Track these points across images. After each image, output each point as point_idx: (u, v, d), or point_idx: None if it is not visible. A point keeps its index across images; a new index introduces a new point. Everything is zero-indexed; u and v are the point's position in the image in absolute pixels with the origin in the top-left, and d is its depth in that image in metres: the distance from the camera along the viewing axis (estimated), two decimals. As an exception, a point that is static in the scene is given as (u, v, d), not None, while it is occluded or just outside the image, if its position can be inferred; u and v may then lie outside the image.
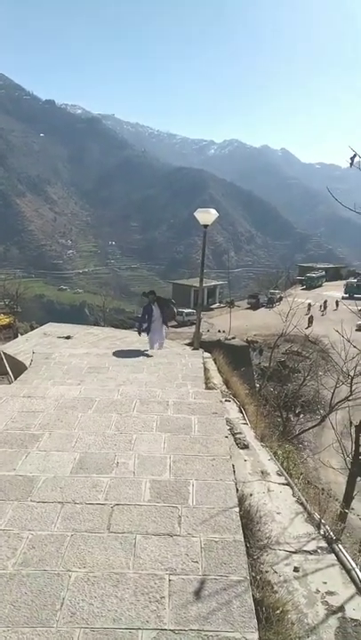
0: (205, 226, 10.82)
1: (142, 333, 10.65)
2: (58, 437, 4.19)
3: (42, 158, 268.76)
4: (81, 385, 6.78)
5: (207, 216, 10.79)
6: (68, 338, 11.99)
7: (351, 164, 4.07)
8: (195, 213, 10.93)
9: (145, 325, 10.46)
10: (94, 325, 25.10)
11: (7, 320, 31.53)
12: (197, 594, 2.53)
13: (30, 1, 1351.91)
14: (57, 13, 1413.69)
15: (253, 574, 2.96)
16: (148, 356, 9.57)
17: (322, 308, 44.00)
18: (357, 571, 3.31)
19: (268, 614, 2.63)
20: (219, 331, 32.38)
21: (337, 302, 43.96)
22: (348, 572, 3.31)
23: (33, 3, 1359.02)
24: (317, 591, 3.12)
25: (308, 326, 37.09)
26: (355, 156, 4.00)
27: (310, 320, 40.02)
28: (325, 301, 45.48)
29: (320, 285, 65.83)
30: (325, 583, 3.19)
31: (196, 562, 2.75)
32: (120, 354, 9.66)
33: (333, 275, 75.01)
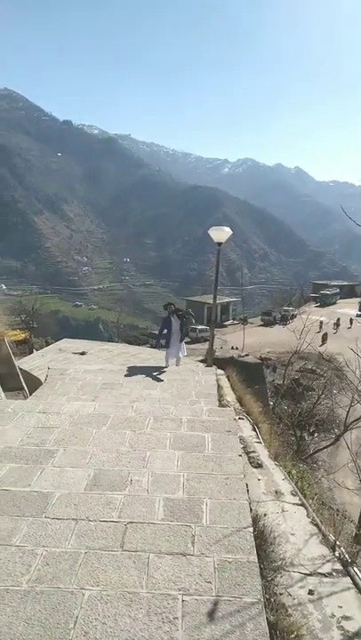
0: (219, 243, 10.89)
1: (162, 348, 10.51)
2: (72, 453, 4.22)
3: (59, 177, 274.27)
4: (95, 401, 6.82)
5: (221, 234, 10.87)
6: (82, 354, 12.08)
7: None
8: (209, 231, 11.01)
9: (164, 341, 10.26)
10: (109, 341, 25.21)
11: (23, 335, 31.91)
12: (211, 615, 2.51)
13: (49, 26, 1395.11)
14: (75, 37, 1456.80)
15: (267, 596, 2.93)
16: (161, 372, 9.51)
17: (335, 326, 43.58)
18: (374, 595, 3.25)
19: (283, 638, 2.60)
20: (232, 347, 32.28)
21: (351, 320, 43.52)
22: (364, 596, 3.25)
23: (52, 27, 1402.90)
24: (333, 615, 3.06)
25: (323, 344, 36.80)
26: (368, 175, 4.03)
27: (324, 337, 39.70)
28: (338, 319, 45.05)
29: (334, 303, 65.30)
30: (341, 607, 3.13)
31: (210, 582, 2.73)
32: (134, 370, 9.69)
33: (348, 292, 74.39)
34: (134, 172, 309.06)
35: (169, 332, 10.03)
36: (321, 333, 35.58)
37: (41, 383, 8.69)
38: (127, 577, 2.76)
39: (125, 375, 9.23)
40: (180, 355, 10.42)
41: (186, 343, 10.85)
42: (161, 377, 9.04)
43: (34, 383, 9.19)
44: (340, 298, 68.53)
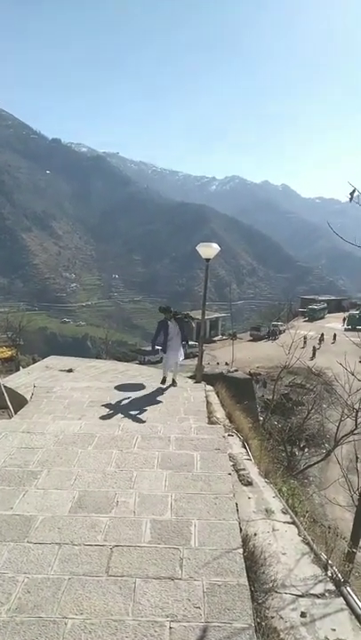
0: (207, 259, 10.90)
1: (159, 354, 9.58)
2: (57, 475, 4.11)
3: (48, 194, 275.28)
4: (82, 420, 6.68)
5: (209, 250, 10.88)
6: (69, 371, 11.91)
7: (351, 198, 4.15)
8: (197, 247, 11.03)
9: (160, 346, 9.25)
10: (97, 358, 25.04)
11: (9, 353, 31.55)
12: (200, 643, 2.41)
13: (39, 44, 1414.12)
14: (65, 55, 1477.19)
15: (258, 620, 2.83)
16: (156, 389, 9.21)
17: (319, 341, 43.82)
18: (367, 616, 3.16)
19: (275, 665, 2.50)
20: (223, 363, 32.24)
21: (335, 335, 43.94)
22: (358, 617, 3.17)
23: (42, 45, 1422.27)
24: (326, 639, 2.97)
25: (312, 358, 37.00)
26: (354, 191, 4.08)
27: (314, 351, 39.93)
28: (323, 334, 45.36)
29: (323, 317, 65.88)
30: (334, 630, 3.05)
31: (199, 607, 2.64)
32: (122, 387, 9.56)
33: (335, 307, 75.18)
34: (123, 189, 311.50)
35: (166, 337, 9.14)
36: (309, 348, 35.66)
37: (26, 402, 8.52)
38: (112, 604, 2.66)
39: (113, 392, 9.10)
40: (180, 358, 9.52)
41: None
42: (149, 394, 8.92)
43: (19, 402, 9.01)
44: (328, 312, 69.18)
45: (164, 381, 9.24)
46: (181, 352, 9.62)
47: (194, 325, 11.57)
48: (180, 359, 9.64)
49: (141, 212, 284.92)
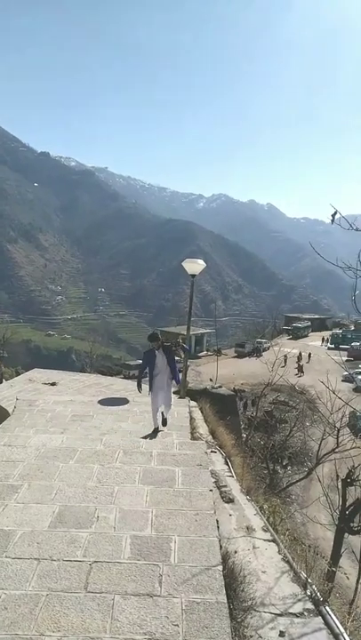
0: (193, 275, 11.01)
1: (143, 389, 7.58)
2: (37, 489, 4.07)
3: (35, 207, 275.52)
4: (64, 434, 6.63)
5: (195, 266, 11.00)
6: (53, 384, 11.82)
7: (332, 221, 4.25)
8: (183, 263, 11.13)
9: (147, 378, 7.42)
10: (81, 372, 24.83)
11: (-8, 365, 31.15)
12: (177, 661, 2.40)
13: (28, 57, 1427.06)
14: (54, 69, 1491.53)
15: (237, 639, 2.82)
16: (134, 404, 9.17)
17: (308, 358, 44.26)
18: (345, 636, 3.16)
19: None
20: (207, 379, 32.21)
21: (309, 355, 44.53)
22: (336, 637, 3.17)
23: (30, 59, 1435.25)
24: (304, 658, 2.97)
25: (300, 375, 37.29)
26: (335, 213, 4.18)
27: (301, 369, 40.25)
28: (309, 353, 45.86)
29: (306, 335, 66.48)
30: (312, 649, 3.04)
31: (177, 625, 2.62)
32: (105, 402, 9.51)
33: (319, 325, 75.95)
34: (110, 203, 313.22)
35: (152, 371, 7.29)
36: (289, 367, 35.81)
37: (8, 415, 8.42)
38: (90, 621, 2.63)
39: (96, 407, 9.05)
40: (169, 406, 7.59)
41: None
42: (133, 408, 8.89)
43: (1, 414, 8.90)
44: (312, 331, 69.85)
45: (155, 433, 7.07)
46: (170, 394, 7.60)
47: (181, 357, 10.49)
48: (169, 403, 7.60)
49: (129, 226, 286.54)
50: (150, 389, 7.32)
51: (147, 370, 7.34)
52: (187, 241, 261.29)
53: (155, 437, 6.69)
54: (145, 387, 7.45)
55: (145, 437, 6.73)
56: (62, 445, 5.35)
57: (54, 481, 4.24)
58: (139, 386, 7.72)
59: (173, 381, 7.49)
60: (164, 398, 7.42)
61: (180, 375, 9.88)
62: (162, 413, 7.57)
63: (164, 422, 7.53)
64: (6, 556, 3.14)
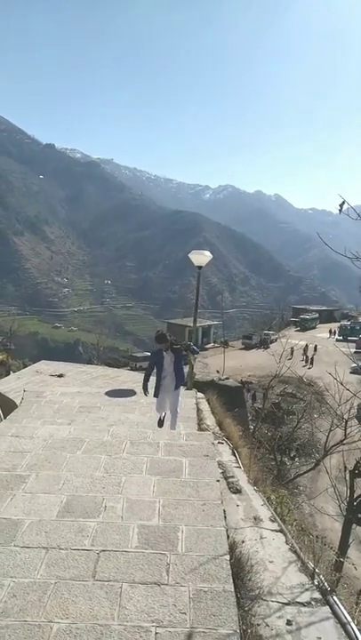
0: (200, 267, 10.96)
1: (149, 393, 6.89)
2: (45, 479, 4.09)
3: (40, 199, 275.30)
4: (71, 425, 6.66)
5: (201, 257, 10.95)
6: (60, 376, 11.87)
7: (340, 210, 4.20)
8: (189, 255, 11.09)
9: (154, 382, 6.83)
10: (88, 364, 24.95)
11: (0, 357, 31.31)
12: (185, 648, 2.41)
13: (34, 50, 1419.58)
14: (59, 62, 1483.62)
15: (244, 627, 2.83)
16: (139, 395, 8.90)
17: (314, 350, 44.06)
18: (353, 625, 3.16)
19: (259, 672, 2.50)
20: (214, 371, 32.22)
21: (315, 347, 44.26)
22: (344, 625, 3.17)
23: (36, 52, 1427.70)
24: (311, 646, 2.98)
25: (310, 367, 37.23)
26: (343, 203, 4.13)
27: (311, 361, 40.14)
28: (306, 345, 45.61)
29: (314, 327, 66.17)
30: (320, 638, 3.05)
31: (184, 613, 2.63)
32: (112, 393, 9.54)
33: (327, 317, 75.54)
34: (116, 195, 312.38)
35: (159, 374, 6.81)
36: (295, 359, 35.69)
37: (16, 406, 8.47)
38: (98, 608, 2.65)
39: (103, 398, 9.09)
40: (177, 410, 7.00)
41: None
42: (140, 400, 8.91)
43: (9, 406, 8.96)
44: (320, 323, 69.51)
45: (161, 423, 6.88)
46: (179, 399, 7.10)
47: (194, 359, 8.85)
48: (179, 410, 7.09)
49: (135, 218, 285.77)
50: (156, 394, 6.80)
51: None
52: (193, 232, 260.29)
53: (161, 428, 6.49)
54: (151, 391, 6.80)
55: (152, 428, 6.59)
56: (70, 436, 5.37)
57: (62, 471, 4.26)
58: (145, 389, 6.91)
59: (180, 386, 6.88)
60: (171, 404, 6.92)
61: (187, 369, 9.47)
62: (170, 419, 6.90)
63: (172, 427, 6.80)
64: (15, 545, 3.16)
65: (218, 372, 26.47)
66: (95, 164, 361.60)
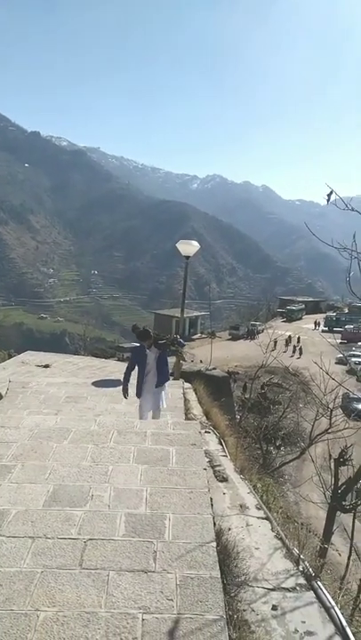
0: (187, 257, 10.97)
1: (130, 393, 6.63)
2: (31, 469, 4.07)
3: (26, 187, 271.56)
4: (57, 415, 6.63)
5: (189, 247, 10.95)
6: (46, 367, 11.81)
7: (328, 200, 4.20)
8: (177, 245, 11.08)
9: (133, 387, 6.61)
10: (74, 354, 24.83)
11: (-15, 348, 31.07)
12: (171, 634, 2.43)
13: (18, 35, 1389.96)
14: (44, 48, 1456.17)
15: (230, 613, 2.86)
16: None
17: (286, 343, 44.41)
18: (337, 609, 3.23)
19: (245, 656, 2.54)
20: (201, 361, 32.34)
21: (299, 338, 44.76)
22: (328, 610, 3.23)
23: (21, 37, 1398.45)
24: (296, 631, 3.02)
25: (298, 357, 37.77)
26: (331, 192, 4.13)
27: (300, 351, 40.63)
28: (290, 336, 46.05)
29: (300, 318, 66.76)
30: (304, 622, 3.10)
31: (171, 600, 2.65)
32: (99, 383, 9.53)
33: (313, 308, 76.23)
34: (103, 184, 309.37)
35: (142, 372, 6.47)
36: (279, 349, 35.95)
37: (1, 397, 8.41)
38: (85, 596, 2.65)
39: (90, 388, 9.07)
40: (161, 405, 6.71)
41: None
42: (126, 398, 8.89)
43: (-6, 396, 8.89)
44: (306, 314, 70.10)
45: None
46: (163, 396, 6.75)
47: (186, 357, 8.10)
48: (162, 406, 6.76)
49: (122, 208, 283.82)
50: (138, 394, 6.52)
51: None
52: (181, 222, 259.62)
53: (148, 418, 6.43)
54: (132, 390, 6.63)
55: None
56: (56, 426, 5.35)
57: (48, 461, 4.24)
58: (125, 390, 6.59)
59: (163, 386, 6.65)
60: (152, 402, 6.61)
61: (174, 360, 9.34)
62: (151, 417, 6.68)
63: (156, 416, 6.69)
64: (0, 535, 3.15)
65: (201, 362, 26.55)
66: (82, 152, 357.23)
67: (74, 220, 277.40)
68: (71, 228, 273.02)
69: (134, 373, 6.58)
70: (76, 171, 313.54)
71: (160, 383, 6.54)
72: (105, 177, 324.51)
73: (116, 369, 11.39)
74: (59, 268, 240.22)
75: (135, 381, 6.58)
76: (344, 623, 3.09)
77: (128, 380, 6.62)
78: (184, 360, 8.39)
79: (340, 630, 3.05)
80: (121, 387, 6.72)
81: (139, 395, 6.55)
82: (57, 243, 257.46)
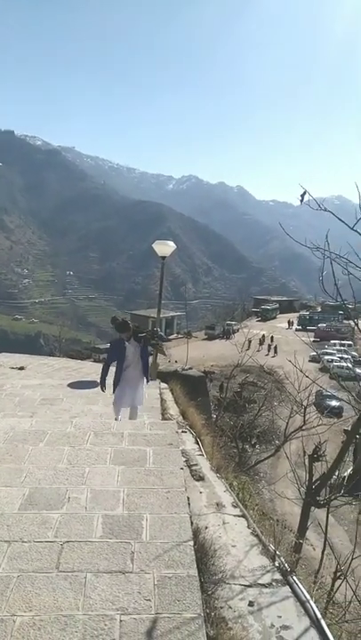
0: (163, 257, 10.97)
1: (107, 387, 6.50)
2: (6, 472, 4.01)
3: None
4: (33, 417, 6.55)
5: (165, 248, 10.96)
6: (21, 368, 11.63)
7: (301, 200, 4.28)
8: (153, 245, 11.07)
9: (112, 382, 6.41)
10: (50, 356, 24.53)
11: None
12: (150, 634, 2.44)
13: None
14: (19, 44, 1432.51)
15: (208, 610, 2.89)
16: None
17: (260, 343, 45.11)
18: (312, 603, 3.29)
19: (223, 652, 2.57)
20: (176, 361, 32.36)
21: (272, 337, 45.60)
22: (303, 604, 3.29)
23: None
24: (272, 625, 3.07)
25: (274, 355, 38.38)
26: (304, 193, 4.21)
27: (275, 349, 41.24)
28: (263, 335, 46.79)
29: (275, 317, 67.61)
30: (280, 617, 3.15)
31: (149, 600, 2.66)
32: (75, 385, 9.45)
33: (287, 307, 77.29)
34: (78, 184, 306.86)
35: (120, 366, 6.29)
36: (253, 349, 36.41)
37: (-25, 399, 8.26)
38: (62, 599, 2.64)
39: (66, 390, 8.99)
40: (137, 404, 6.66)
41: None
42: (104, 392, 8.86)
43: (-33, 399, 8.71)
44: (280, 313, 71.02)
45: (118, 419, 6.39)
46: (142, 392, 6.64)
47: (161, 347, 8.03)
48: (139, 404, 6.70)
49: (97, 208, 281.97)
50: (115, 386, 6.31)
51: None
52: (157, 223, 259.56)
53: (123, 420, 6.34)
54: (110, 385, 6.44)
55: (101, 391, 6.50)
56: (31, 429, 5.29)
57: (24, 464, 4.19)
58: (102, 384, 6.48)
59: (144, 378, 6.50)
60: (130, 397, 6.46)
61: (151, 360, 9.43)
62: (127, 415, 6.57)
63: (133, 416, 6.57)
64: (-25, 540, 3.10)
65: (176, 362, 26.61)
66: (56, 151, 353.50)
67: (48, 220, 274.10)
68: (46, 228, 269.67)
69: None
70: (51, 170, 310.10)
71: (141, 376, 6.44)
72: (80, 176, 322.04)
73: (92, 370, 11.31)
74: (33, 268, 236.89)
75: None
76: (319, 616, 3.16)
77: (106, 374, 6.47)
78: (164, 354, 8.32)
79: (315, 623, 3.11)
80: (96, 388, 6.70)
81: (115, 386, 6.35)
82: (31, 243, 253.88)
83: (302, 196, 4.21)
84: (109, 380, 6.45)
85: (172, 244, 11.17)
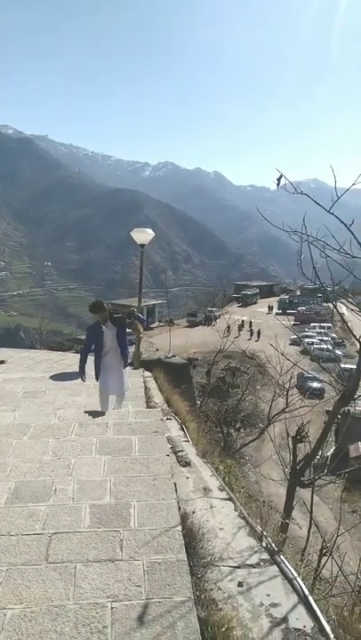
0: (142, 245, 10.89)
1: (87, 377, 6.36)
2: (-10, 467, 3.98)
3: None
4: (16, 411, 6.50)
5: (144, 235, 10.88)
6: (1, 362, 11.49)
7: (278, 184, 4.27)
8: (131, 233, 10.98)
9: (93, 361, 6.28)
10: (30, 349, 24.27)
11: None
12: (141, 619, 2.46)
13: None
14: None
15: (198, 593, 2.92)
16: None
17: (239, 329, 45.52)
18: (299, 580, 3.36)
19: (214, 633, 2.60)
20: (157, 349, 32.40)
21: (250, 323, 46.15)
22: (290, 581, 3.36)
23: None
24: (261, 604, 3.13)
25: (256, 340, 38.76)
26: (280, 177, 4.20)
27: (258, 334, 41.65)
28: (243, 321, 47.22)
29: (255, 302, 68.08)
30: (269, 595, 3.21)
31: (139, 586, 2.68)
32: (58, 377, 9.38)
33: (267, 292, 77.85)
34: (52, 173, 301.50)
35: (99, 352, 6.14)
36: (233, 335, 36.77)
37: None
38: (53, 590, 2.64)
39: (48, 382, 8.92)
40: (125, 389, 6.60)
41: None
42: (87, 382, 8.82)
43: None
44: (260, 297, 71.51)
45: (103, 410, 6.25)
46: (126, 379, 6.53)
47: (142, 331, 8.70)
48: (125, 391, 6.62)
49: (73, 196, 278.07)
50: (96, 375, 6.19)
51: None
52: (134, 211, 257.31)
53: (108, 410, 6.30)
54: (91, 373, 6.33)
55: (84, 382, 6.43)
56: (15, 422, 5.25)
57: (8, 458, 4.16)
58: (81, 372, 6.24)
59: (125, 363, 6.38)
60: (116, 386, 6.32)
61: (133, 348, 9.35)
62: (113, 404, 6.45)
63: (118, 405, 6.51)
64: None
65: (158, 350, 26.63)
66: (29, 140, 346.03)
67: (23, 211, 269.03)
68: (21, 219, 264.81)
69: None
70: (24, 159, 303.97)
71: (120, 359, 6.26)
72: (54, 165, 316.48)
73: (74, 362, 11.22)
74: (10, 260, 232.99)
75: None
76: (306, 592, 3.23)
77: (85, 361, 6.22)
78: (139, 332, 8.24)
79: (303, 599, 3.18)
80: (79, 379, 6.55)
81: (97, 374, 6.18)
82: (7, 234, 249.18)
83: (278, 179, 4.21)
84: (90, 371, 6.34)
85: (150, 231, 11.10)
